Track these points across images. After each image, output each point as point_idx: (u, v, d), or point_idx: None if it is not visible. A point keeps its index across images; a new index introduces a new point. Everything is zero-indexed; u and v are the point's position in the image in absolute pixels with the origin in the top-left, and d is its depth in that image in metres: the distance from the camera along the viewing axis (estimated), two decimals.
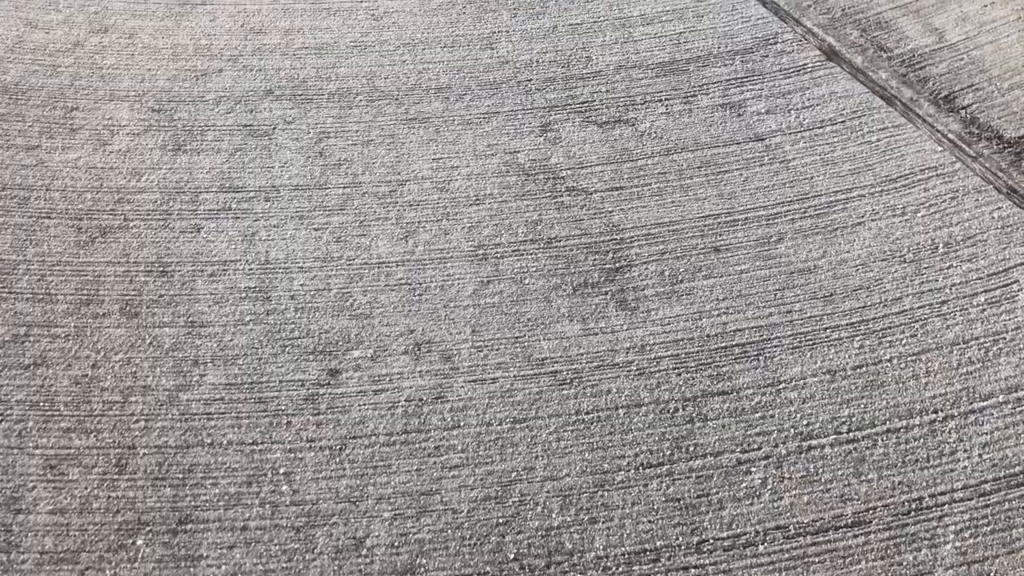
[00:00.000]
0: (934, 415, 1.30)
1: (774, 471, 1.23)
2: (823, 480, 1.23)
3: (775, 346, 1.40)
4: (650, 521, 1.19)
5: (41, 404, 1.31)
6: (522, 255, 1.55)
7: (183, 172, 1.69)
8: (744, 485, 1.22)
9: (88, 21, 2.06)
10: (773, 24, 2.08)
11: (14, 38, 2.00)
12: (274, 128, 1.79)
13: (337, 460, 1.25)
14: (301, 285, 1.49)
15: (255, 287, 1.48)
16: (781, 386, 1.34)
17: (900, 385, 1.34)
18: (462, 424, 1.28)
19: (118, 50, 1.98)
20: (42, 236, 1.56)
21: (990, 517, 1.19)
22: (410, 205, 1.64)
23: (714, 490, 1.22)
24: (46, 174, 1.68)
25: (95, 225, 1.58)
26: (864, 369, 1.36)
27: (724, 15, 2.11)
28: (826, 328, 1.43)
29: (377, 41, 2.03)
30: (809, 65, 1.96)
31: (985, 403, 1.31)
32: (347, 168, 1.71)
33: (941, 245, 1.56)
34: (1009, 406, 1.31)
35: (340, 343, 1.40)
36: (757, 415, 1.30)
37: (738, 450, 1.26)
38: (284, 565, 1.14)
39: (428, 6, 2.14)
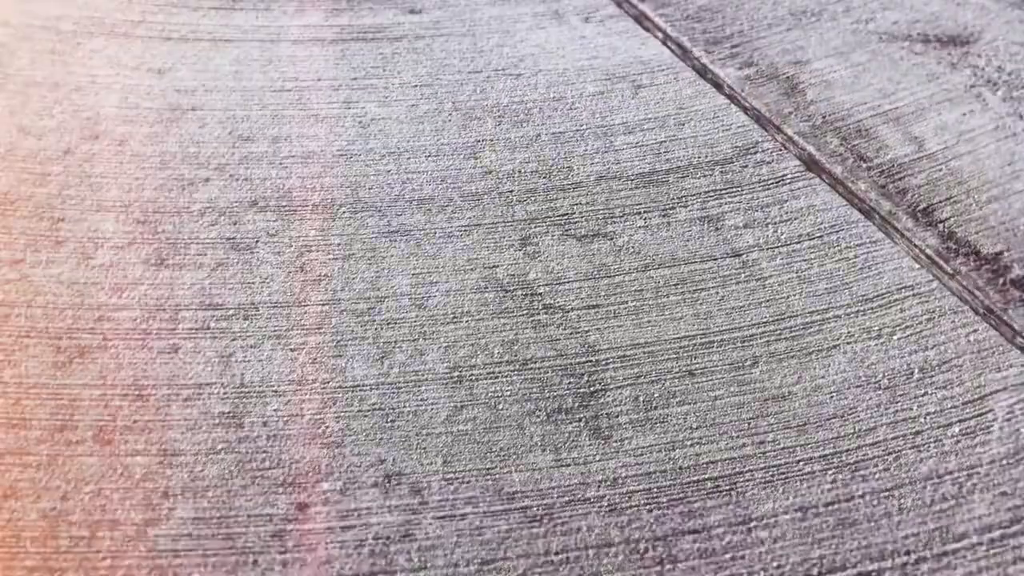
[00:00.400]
0: (907, 557, 1.29)
1: None
2: None
3: (747, 480, 1.39)
4: None
5: (7, 540, 1.30)
6: (497, 378, 1.55)
7: (164, 288, 1.71)
8: None
9: (80, 127, 2.10)
10: (754, 132, 2.11)
11: (7, 145, 2.04)
12: (257, 241, 1.81)
13: None
14: (275, 411, 1.49)
15: (229, 412, 1.49)
16: (752, 524, 1.33)
17: (873, 524, 1.32)
18: (428, 565, 1.27)
19: (108, 158, 2.01)
20: (21, 356, 1.57)
21: None
22: (387, 323, 1.65)
23: None
24: (29, 290, 1.69)
25: (74, 345, 1.59)
26: (836, 506, 1.35)
27: (705, 123, 2.14)
28: (799, 460, 1.42)
29: (363, 150, 2.06)
30: (788, 176, 1.99)
31: (959, 544, 1.30)
32: (327, 284, 1.72)
33: (916, 371, 1.56)
34: (983, 548, 1.30)
35: (310, 474, 1.40)
36: (727, 556, 1.29)
37: None
38: None
39: (415, 113, 2.18)
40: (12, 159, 2.00)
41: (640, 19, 2.55)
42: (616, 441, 1.45)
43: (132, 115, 2.14)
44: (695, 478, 1.39)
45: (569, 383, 1.54)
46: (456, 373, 1.56)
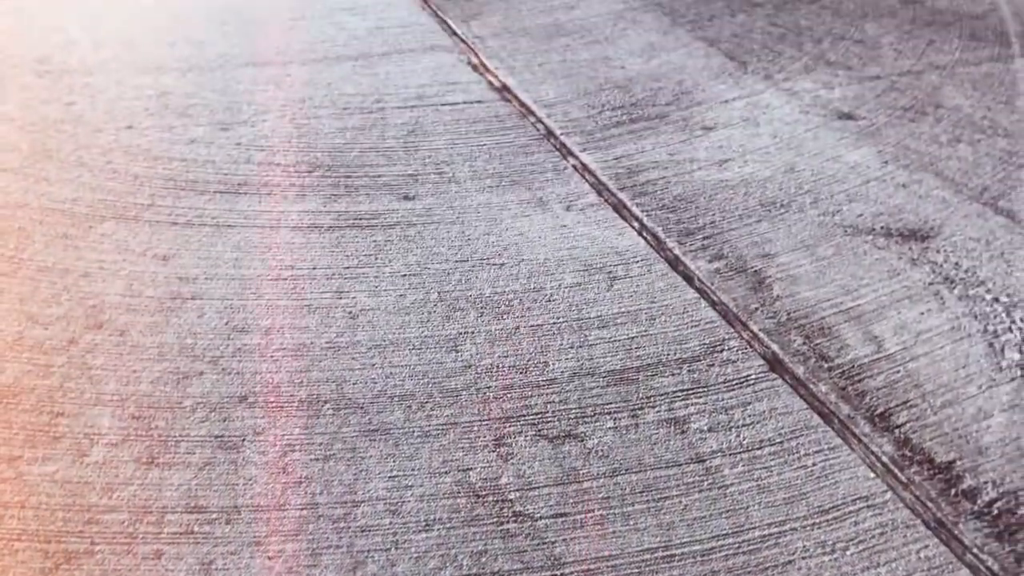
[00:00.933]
0: None
1: None
2: None
3: None
4: None
5: None
6: None
7: (153, 489, 1.79)
8: None
9: (85, 315, 2.23)
10: (720, 329, 2.23)
11: (14, 334, 2.16)
12: (243, 440, 1.91)
13: None
14: None
15: None
16: None
17: None
18: None
19: (108, 348, 2.13)
20: (10, 562, 1.64)
21: None
22: (362, 531, 1.72)
23: None
24: (23, 489, 1.78)
25: (62, 550, 1.67)
26: None
27: (675, 318, 2.26)
28: None
29: (350, 343, 2.18)
30: (752, 376, 2.09)
31: None
32: (307, 487, 1.81)
33: None
34: None
35: None
36: None
37: None
38: None
39: (402, 304, 2.31)
40: (19, 349, 2.12)
41: (618, 208, 2.71)
42: None
43: (135, 303, 2.28)
44: None
45: None
46: None
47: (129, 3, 4.25)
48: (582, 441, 1.92)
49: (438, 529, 1.73)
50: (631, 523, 1.74)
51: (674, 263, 2.47)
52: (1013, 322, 2.23)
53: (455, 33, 3.93)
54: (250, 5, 4.19)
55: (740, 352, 2.16)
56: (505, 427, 1.96)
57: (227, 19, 4.03)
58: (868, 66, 3.61)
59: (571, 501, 1.79)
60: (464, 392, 2.04)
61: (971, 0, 4.27)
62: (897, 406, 2.01)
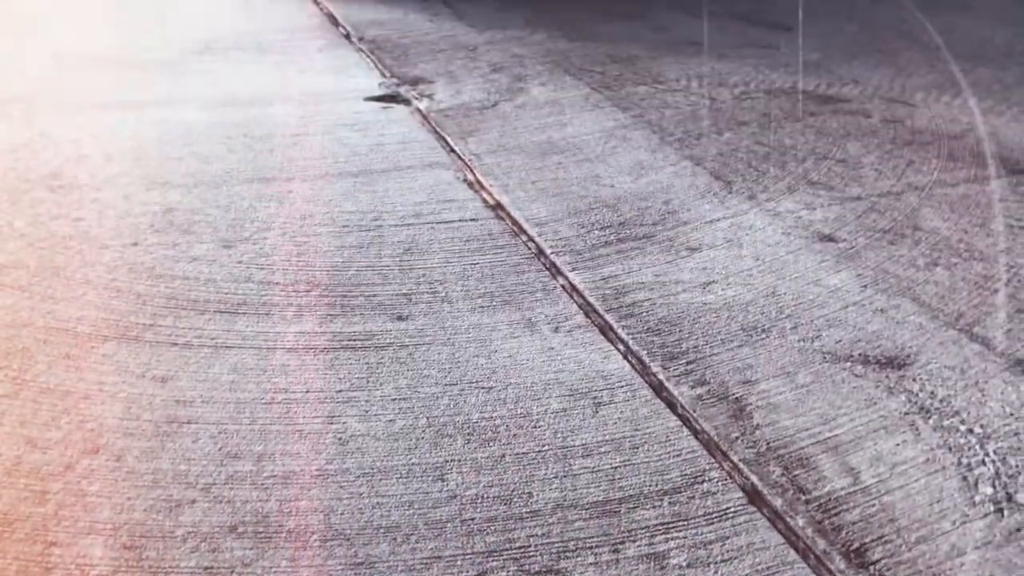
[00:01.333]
0: None
1: None
2: None
3: None
4: None
5: None
6: None
7: None
8: None
9: (83, 439, 2.29)
10: (702, 459, 2.28)
11: (13, 459, 2.22)
12: (232, 572, 1.95)
13: None
14: None
15: None
16: None
17: None
18: None
19: (104, 474, 2.19)
20: None
21: None
22: None
23: None
24: None
25: None
26: None
27: (658, 447, 2.32)
28: None
29: (339, 470, 2.23)
30: (732, 509, 2.13)
31: None
32: None
33: None
34: None
35: None
36: None
37: None
38: None
39: (391, 429, 2.37)
40: (17, 474, 2.18)
41: (605, 330, 2.79)
42: None
43: (132, 427, 2.34)
44: None
45: None
46: None
47: (139, 117, 4.44)
48: None
49: None
50: None
51: (658, 388, 2.54)
52: (987, 455, 2.29)
53: (453, 150, 4.09)
54: (255, 120, 4.38)
55: (720, 483, 2.21)
56: (488, 561, 2.00)
57: (232, 135, 4.20)
58: (849, 186, 3.75)
59: None
60: (448, 524, 2.09)
61: (949, 120, 4.45)
62: (872, 541, 2.05)
